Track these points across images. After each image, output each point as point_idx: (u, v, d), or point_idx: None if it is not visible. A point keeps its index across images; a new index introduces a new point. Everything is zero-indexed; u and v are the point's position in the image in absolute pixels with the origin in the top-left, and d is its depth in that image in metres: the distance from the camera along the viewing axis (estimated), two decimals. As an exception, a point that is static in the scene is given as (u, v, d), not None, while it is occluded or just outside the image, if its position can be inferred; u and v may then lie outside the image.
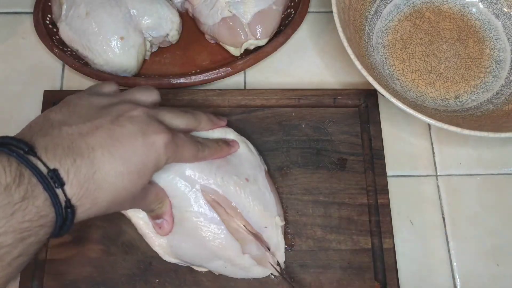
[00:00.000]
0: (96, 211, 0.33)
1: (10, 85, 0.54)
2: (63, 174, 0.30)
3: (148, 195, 0.39)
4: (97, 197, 0.32)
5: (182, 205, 0.41)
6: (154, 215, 0.41)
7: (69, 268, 0.44)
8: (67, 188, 0.30)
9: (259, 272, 0.43)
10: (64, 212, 0.31)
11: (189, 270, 0.44)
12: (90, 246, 0.45)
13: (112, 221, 0.46)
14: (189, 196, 0.41)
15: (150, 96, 0.40)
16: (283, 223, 0.44)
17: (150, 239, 0.43)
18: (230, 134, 0.45)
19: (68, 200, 0.31)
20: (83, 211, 0.32)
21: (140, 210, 0.41)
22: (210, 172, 0.41)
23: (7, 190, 0.28)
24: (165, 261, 0.44)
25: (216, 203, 0.42)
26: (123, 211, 0.42)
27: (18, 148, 0.30)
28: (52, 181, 0.30)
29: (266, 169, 0.47)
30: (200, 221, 0.41)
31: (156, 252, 0.44)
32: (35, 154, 0.30)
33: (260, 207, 0.43)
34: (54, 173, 0.30)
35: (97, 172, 0.32)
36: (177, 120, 0.39)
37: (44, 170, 0.30)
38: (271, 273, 0.44)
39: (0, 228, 0.27)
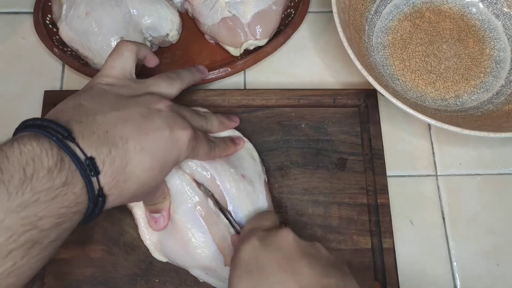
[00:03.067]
0: (120, 201, 0.34)
1: (10, 85, 0.54)
2: (99, 163, 0.30)
3: (159, 189, 0.39)
4: (125, 188, 0.33)
5: (174, 205, 0.41)
6: (154, 209, 0.41)
7: (71, 268, 0.44)
8: (101, 177, 0.31)
9: None
10: (96, 201, 0.31)
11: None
12: (91, 246, 0.45)
13: (114, 222, 0.46)
14: (182, 198, 0.41)
15: (173, 86, 0.41)
16: None
17: (142, 232, 0.43)
18: (237, 134, 0.46)
19: (100, 189, 0.31)
20: (111, 201, 0.32)
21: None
22: (208, 163, 0.42)
23: (49, 173, 0.28)
24: (165, 261, 0.44)
25: (208, 195, 0.41)
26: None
27: (57, 133, 0.30)
28: (88, 169, 0.30)
29: (266, 179, 0.46)
30: (188, 227, 0.41)
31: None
32: (73, 140, 0.30)
33: (249, 207, 0.43)
34: (91, 161, 0.30)
35: (128, 165, 0.32)
36: (194, 120, 0.40)
37: (82, 157, 0.30)
38: None
39: (42, 211, 0.27)
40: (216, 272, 0.41)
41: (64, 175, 0.28)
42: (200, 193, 0.41)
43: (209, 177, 0.42)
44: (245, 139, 0.47)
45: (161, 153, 0.34)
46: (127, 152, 0.32)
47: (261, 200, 0.44)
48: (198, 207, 0.41)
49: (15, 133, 0.32)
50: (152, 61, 0.44)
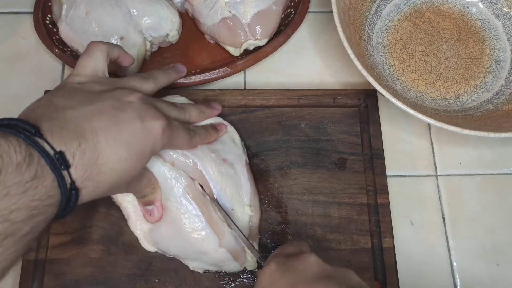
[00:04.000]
0: (98, 194, 0.34)
1: (10, 85, 0.54)
2: (69, 156, 0.31)
3: (142, 179, 0.40)
4: (100, 180, 0.33)
5: (165, 193, 0.41)
6: (146, 201, 0.42)
7: (70, 268, 0.44)
8: (72, 170, 0.31)
9: (233, 266, 0.43)
10: (69, 194, 0.31)
11: (189, 270, 0.44)
12: (90, 246, 0.45)
13: (113, 222, 0.46)
14: (171, 184, 0.41)
15: (146, 84, 0.41)
16: (253, 213, 0.44)
17: (133, 223, 0.43)
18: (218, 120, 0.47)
19: (73, 182, 0.31)
20: (86, 193, 0.33)
21: (130, 194, 0.42)
22: (190, 150, 0.42)
23: (18, 168, 0.28)
24: (165, 261, 0.44)
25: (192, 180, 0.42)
26: (112, 195, 0.43)
27: (25, 130, 0.30)
28: (58, 163, 0.30)
29: (247, 160, 0.47)
30: (181, 212, 0.41)
31: (156, 252, 0.44)
32: (41, 136, 0.31)
33: (232, 190, 0.43)
34: (61, 155, 0.31)
35: (100, 157, 0.32)
36: (169, 111, 0.40)
37: (51, 152, 0.30)
38: (245, 267, 0.44)
39: (13, 204, 0.28)
40: (212, 255, 0.42)
41: (34, 169, 0.29)
42: (186, 176, 0.42)
43: (191, 164, 0.42)
44: (227, 123, 0.47)
45: (135, 143, 0.35)
46: (98, 145, 0.32)
47: (243, 181, 0.45)
48: (187, 189, 0.41)
49: None
50: (126, 61, 0.44)
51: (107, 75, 0.40)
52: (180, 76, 0.48)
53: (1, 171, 0.28)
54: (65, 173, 0.31)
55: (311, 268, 0.35)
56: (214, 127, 0.45)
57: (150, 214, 0.42)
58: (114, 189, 0.36)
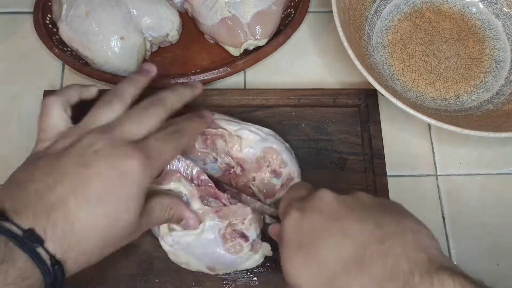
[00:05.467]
0: (88, 260, 0.33)
1: (10, 85, 0.54)
2: (40, 231, 0.29)
3: (152, 211, 0.37)
4: (84, 247, 0.31)
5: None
6: (174, 221, 0.40)
7: (70, 268, 0.44)
8: (48, 244, 0.30)
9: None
10: (52, 270, 0.30)
11: (190, 270, 0.44)
12: (90, 246, 0.45)
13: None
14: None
15: (113, 110, 0.36)
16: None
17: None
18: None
19: (52, 257, 0.30)
20: (72, 264, 0.31)
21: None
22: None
23: None
24: (166, 261, 0.44)
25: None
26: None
27: None
28: (29, 241, 0.29)
29: None
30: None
31: (157, 253, 0.44)
32: (6, 219, 0.29)
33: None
34: (30, 232, 0.29)
35: (76, 223, 0.31)
36: (147, 122, 0.36)
37: (19, 232, 0.29)
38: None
39: None
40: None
41: (1, 253, 0.28)
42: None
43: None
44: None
45: (113, 195, 0.32)
46: (69, 212, 0.31)
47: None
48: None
49: None
50: (90, 94, 0.40)
51: (70, 123, 0.37)
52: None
53: None
54: (40, 249, 0.29)
55: (332, 204, 0.32)
56: (198, 115, 0.42)
57: (189, 226, 0.40)
58: (111, 247, 0.34)
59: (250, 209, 0.42)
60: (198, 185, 0.43)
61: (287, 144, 0.47)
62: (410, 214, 0.33)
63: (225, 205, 0.42)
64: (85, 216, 0.31)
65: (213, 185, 0.43)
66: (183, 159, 0.43)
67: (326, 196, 0.33)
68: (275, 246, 0.40)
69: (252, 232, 0.42)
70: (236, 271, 0.44)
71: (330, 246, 0.30)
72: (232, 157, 0.45)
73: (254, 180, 0.45)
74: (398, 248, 0.29)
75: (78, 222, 0.31)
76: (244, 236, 0.41)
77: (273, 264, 0.44)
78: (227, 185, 0.44)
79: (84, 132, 0.35)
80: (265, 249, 0.43)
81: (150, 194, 0.37)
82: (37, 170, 0.33)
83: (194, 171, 0.43)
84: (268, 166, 0.45)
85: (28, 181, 0.32)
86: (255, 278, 0.44)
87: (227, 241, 0.41)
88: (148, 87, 0.50)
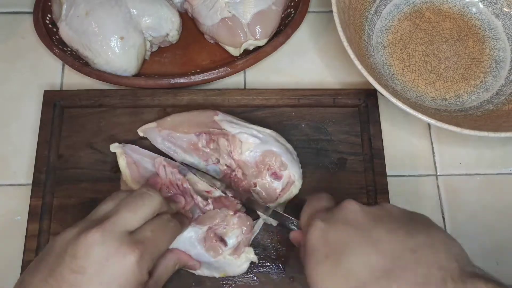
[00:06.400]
0: None
1: (10, 85, 0.54)
2: None
3: (160, 278, 0.38)
4: None
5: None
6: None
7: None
8: None
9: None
10: None
11: (190, 272, 0.44)
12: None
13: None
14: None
15: (111, 210, 0.36)
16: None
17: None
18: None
19: None
20: None
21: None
22: None
23: None
24: None
25: None
26: None
27: None
28: None
29: None
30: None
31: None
32: None
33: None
34: None
35: None
36: (139, 214, 0.35)
37: None
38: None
39: None
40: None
41: None
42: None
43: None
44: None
45: None
46: None
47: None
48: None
49: None
50: None
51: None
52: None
53: None
54: None
55: (359, 215, 0.33)
56: (179, 214, 0.42)
57: (193, 268, 0.43)
58: None
59: (233, 214, 0.43)
60: (181, 192, 0.44)
61: (289, 146, 0.47)
62: (437, 225, 0.33)
63: (203, 212, 0.43)
64: None
65: (194, 195, 0.43)
66: (168, 166, 0.44)
67: (352, 207, 0.33)
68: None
69: (232, 237, 0.42)
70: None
71: (359, 256, 0.30)
72: (233, 159, 0.45)
73: (255, 186, 0.45)
74: (430, 257, 0.29)
75: None
76: (222, 241, 0.42)
77: (273, 265, 0.45)
78: (227, 185, 0.45)
79: (90, 219, 0.35)
80: (249, 253, 0.43)
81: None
82: (36, 274, 0.33)
83: (178, 179, 0.44)
84: (268, 170, 0.45)
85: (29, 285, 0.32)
86: (255, 278, 0.44)
87: (206, 243, 0.42)
88: (148, 88, 0.51)
